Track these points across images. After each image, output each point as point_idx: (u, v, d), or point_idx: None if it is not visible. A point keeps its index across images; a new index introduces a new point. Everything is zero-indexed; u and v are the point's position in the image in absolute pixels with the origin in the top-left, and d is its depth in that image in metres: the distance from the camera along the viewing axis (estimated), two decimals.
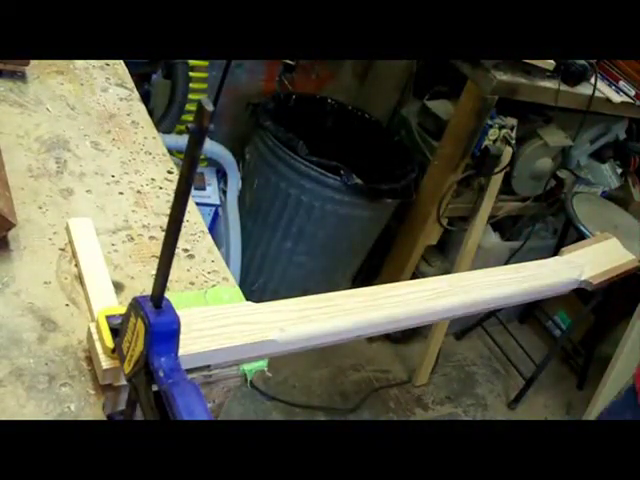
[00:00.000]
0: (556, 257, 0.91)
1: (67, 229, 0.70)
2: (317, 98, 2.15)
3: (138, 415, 0.53)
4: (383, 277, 2.24)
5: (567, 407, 2.50)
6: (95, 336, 0.56)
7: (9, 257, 0.65)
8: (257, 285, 2.05)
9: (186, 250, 0.75)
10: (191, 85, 1.88)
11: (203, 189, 2.00)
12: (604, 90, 1.99)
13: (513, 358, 2.50)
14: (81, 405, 0.55)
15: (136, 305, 0.51)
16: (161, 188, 0.82)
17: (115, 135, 0.87)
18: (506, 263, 2.17)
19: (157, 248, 0.71)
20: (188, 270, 0.73)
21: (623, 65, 2.02)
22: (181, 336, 0.51)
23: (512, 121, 1.92)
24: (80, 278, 0.66)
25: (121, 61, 1.02)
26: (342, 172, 1.79)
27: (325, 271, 2.06)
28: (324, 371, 2.13)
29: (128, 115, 0.92)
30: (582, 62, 1.88)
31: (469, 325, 2.53)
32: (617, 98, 1.98)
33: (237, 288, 0.72)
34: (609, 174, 2.39)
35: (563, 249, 0.94)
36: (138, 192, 0.80)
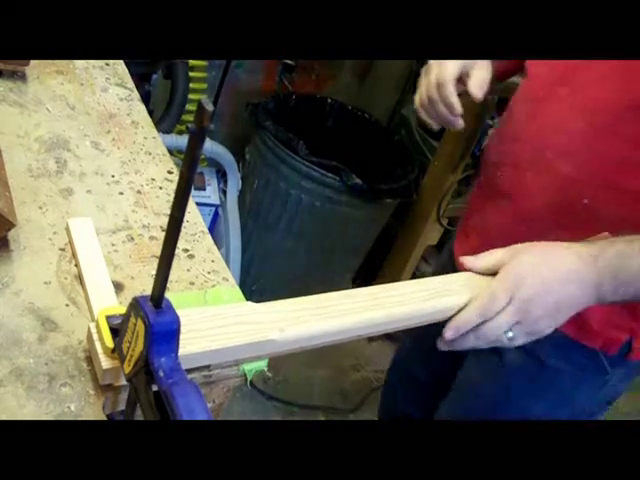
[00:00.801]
0: None
1: (67, 229, 0.70)
2: (317, 98, 2.14)
3: (138, 415, 0.53)
4: (383, 277, 2.24)
5: None
6: (95, 336, 0.56)
7: (9, 257, 0.65)
8: (257, 285, 2.05)
9: (186, 250, 0.75)
10: (191, 85, 1.88)
11: (203, 189, 2.00)
12: None
13: None
14: (81, 405, 0.55)
15: (136, 305, 0.51)
16: (161, 188, 0.82)
17: (115, 135, 0.87)
18: None
19: (157, 248, 0.71)
20: (188, 270, 0.73)
21: None
22: (181, 336, 0.51)
23: None
24: (80, 278, 0.66)
25: (121, 61, 1.02)
26: (342, 172, 1.79)
27: (325, 271, 2.06)
28: (324, 371, 2.13)
29: (128, 115, 0.92)
30: None
31: None
32: None
33: (237, 288, 0.72)
34: None
35: None
36: (138, 192, 0.80)
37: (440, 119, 0.94)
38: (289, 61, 2.14)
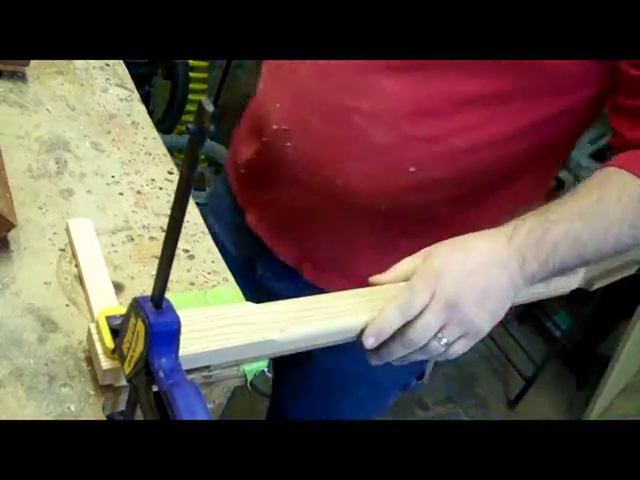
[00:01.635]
0: None
1: (67, 230, 0.70)
2: None
3: (138, 415, 0.53)
4: None
5: (567, 407, 2.50)
6: (95, 336, 0.56)
7: (9, 258, 0.65)
8: None
9: (186, 250, 0.75)
10: (191, 85, 1.88)
11: (203, 189, 2.00)
12: None
13: (513, 358, 2.50)
14: (81, 405, 0.55)
15: (136, 305, 0.51)
16: (161, 188, 0.82)
17: (115, 135, 0.87)
18: None
19: (157, 248, 0.71)
20: (188, 270, 0.73)
21: None
22: (181, 336, 0.51)
23: None
24: (80, 278, 0.66)
25: (121, 62, 1.02)
26: None
27: None
28: None
29: (128, 115, 0.92)
30: None
31: None
32: None
33: (237, 289, 0.72)
34: None
35: None
36: (138, 192, 0.80)
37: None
38: None
